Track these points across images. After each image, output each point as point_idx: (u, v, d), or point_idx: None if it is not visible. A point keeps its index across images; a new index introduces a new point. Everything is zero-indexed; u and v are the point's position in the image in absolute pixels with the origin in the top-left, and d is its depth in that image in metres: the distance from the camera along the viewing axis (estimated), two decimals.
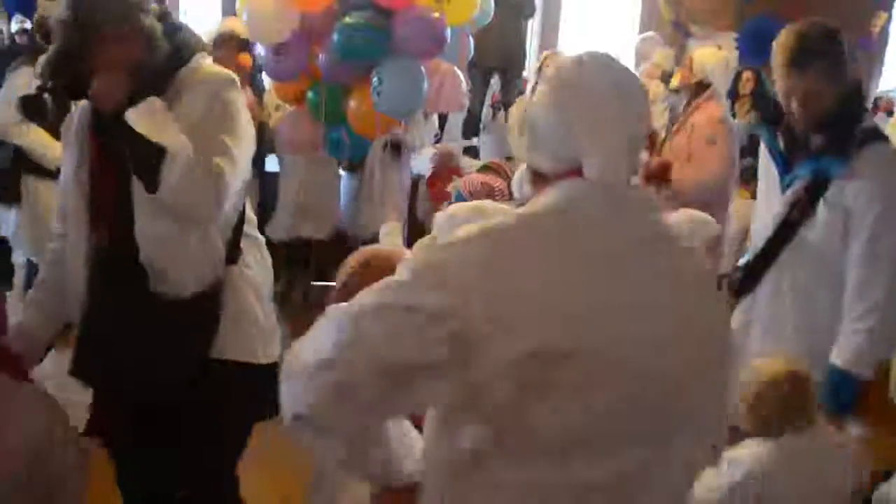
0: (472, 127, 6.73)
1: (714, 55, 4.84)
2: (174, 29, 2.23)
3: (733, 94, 5.84)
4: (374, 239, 5.22)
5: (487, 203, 2.46)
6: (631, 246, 1.40)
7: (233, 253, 2.24)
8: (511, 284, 1.32)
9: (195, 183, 2.04)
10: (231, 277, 2.24)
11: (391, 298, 1.32)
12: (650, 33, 8.19)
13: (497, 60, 6.48)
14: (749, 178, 4.56)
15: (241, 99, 2.23)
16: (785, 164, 2.71)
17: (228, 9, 10.72)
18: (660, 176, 4.30)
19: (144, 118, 2.04)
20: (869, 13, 8.14)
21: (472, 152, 6.12)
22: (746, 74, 6.15)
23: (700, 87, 4.58)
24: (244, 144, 2.18)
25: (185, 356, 2.17)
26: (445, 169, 5.15)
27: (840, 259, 2.59)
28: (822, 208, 2.59)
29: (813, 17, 2.74)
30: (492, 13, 4.91)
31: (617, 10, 10.26)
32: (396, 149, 5.02)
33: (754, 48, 8.11)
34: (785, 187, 2.71)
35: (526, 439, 1.34)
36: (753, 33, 8.17)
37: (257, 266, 2.35)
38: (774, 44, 2.65)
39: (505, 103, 6.83)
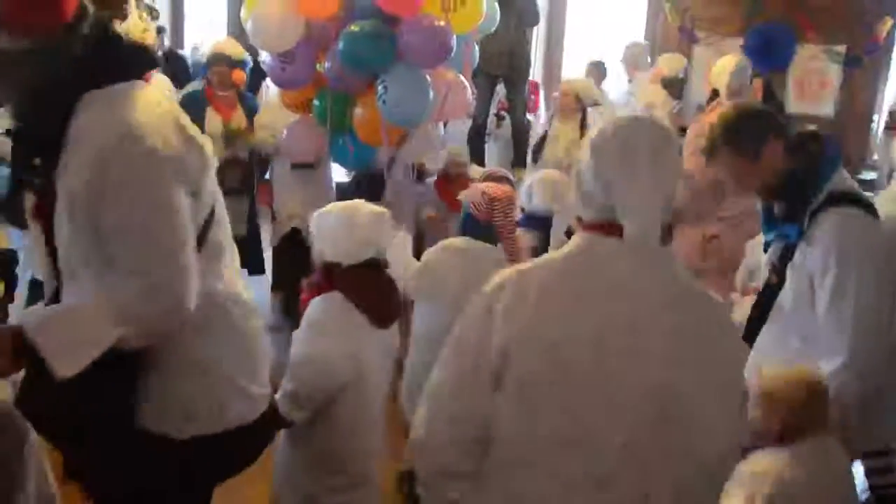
0: (476, 134, 6.73)
1: (725, 62, 4.87)
2: (105, 40, 1.95)
3: None
4: None
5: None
6: (645, 301, 1.61)
7: None
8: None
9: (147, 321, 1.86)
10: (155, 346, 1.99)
11: None
12: (637, 41, 8.18)
13: (502, 68, 6.49)
14: None
15: (143, 149, 1.84)
16: (766, 225, 2.70)
17: (234, 20, 10.77)
18: None
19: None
20: (874, 19, 8.13)
21: (477, 159, 6.13)
22: (756, 83, 6.15)
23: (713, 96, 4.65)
24: (171, 219, 1.87)
25: (98, 415, 1.97)
26: (454, 170, 5.16)
27: (811, 324, 2.57)
28: (789, 273, 2.58)
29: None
30: (497, 21, 4.91)
31: (622, 17, 10.26)
32: (420, 176, 5.07)
33: (760, 55, 8.12)
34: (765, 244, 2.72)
35: None
36: (760, 40, 8.18)
37: (212, 339, 2.06)
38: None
39: (510, 111, 6.83)
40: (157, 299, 1.87)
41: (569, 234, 3.72)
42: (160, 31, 10.65)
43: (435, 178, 5.23)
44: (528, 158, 6.03)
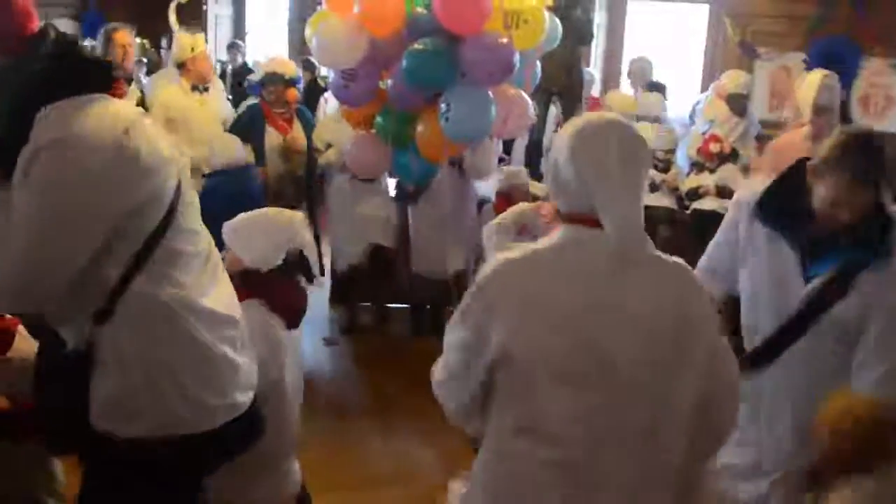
0: (534, 150, 6.73)
1: (812, 78, 4.70)
2: (67, 54, 2.07)
3: None
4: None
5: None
6: (627, 284, 1.78)
7: (102, 315, 2.08)
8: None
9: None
10: (101, 341, 2.09)
11: None
12: (642, 56, 8.09)
13: (559, 84, 6.49)
14: None
15: (62, 161, 1.94)
16: (805, 253, 2.62)
17: (294, 36, 10.93)
18: None
19: None
20: None
21: (536, 175, 6.13)
22: None
23: None
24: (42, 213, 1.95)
25: (59, 413, 2.15)
26: (513, 189, 5.19)
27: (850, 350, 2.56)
28: (851, 294, 2.52)
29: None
30: (558, 38, 4.91)
31: (683, 32, 10.20)
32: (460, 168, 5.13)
33: (824, 68, 7.98)
34: (807, 276, 2.63)
35: None
36: (823, 54, 8.05)
37: (157, 342, 2.10)
38: (834, 147, 2.58)
39: None
40: (14, 281, 1.98)
41: None
42: (234, 46, 10.89)
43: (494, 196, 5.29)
44: None
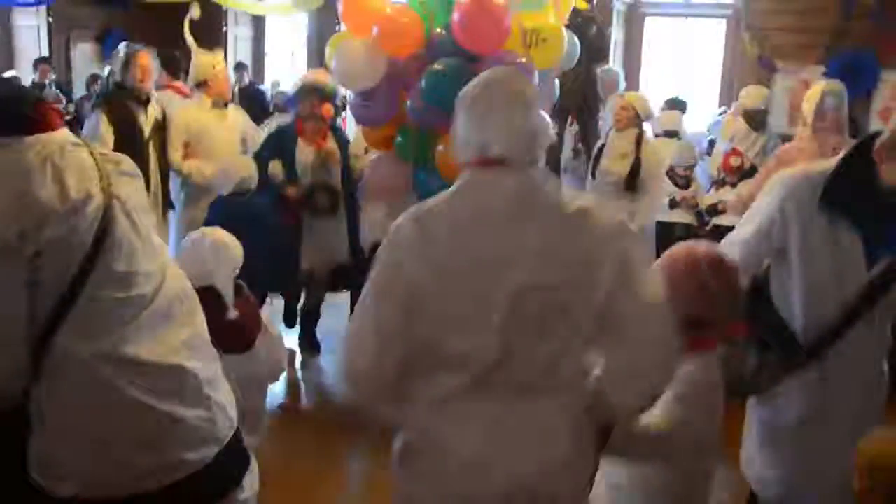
0: (553, 167, 6.75)
1: (814, 88, 4.76)
2: None
3: None
4: None
5: None
6: (493, 213, 1.95)
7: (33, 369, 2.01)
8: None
9: None
10: (32, 398, 2.02)
11: None
12: (611, 66, 8.04)
13: (574, 102, 6.53)
14: None
15: None
16: (870, 238, 2.60)
17: (314, 57, 10.98)
18: None
19: None
20: None
21: None
22: None
23: None
24: None
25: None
26: None
27: None
28: None
29: None
30: (577, 56, 4.93)
31: (700, 47, 10.19)
32: None
33: (843, 81, 7.96)
34: (871, 259, 2.62)
35: None
36: (843, 66, 8.03)
37: (73, 402, 2.01)
38: None
39: (586, 145, 6.84)
40: None
41: None
42: (240, 66, 10.98)
43: None
44: (588, 173, 6.07)
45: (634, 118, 5.74)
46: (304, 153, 5.25)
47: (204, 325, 2.28)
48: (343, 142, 5.46)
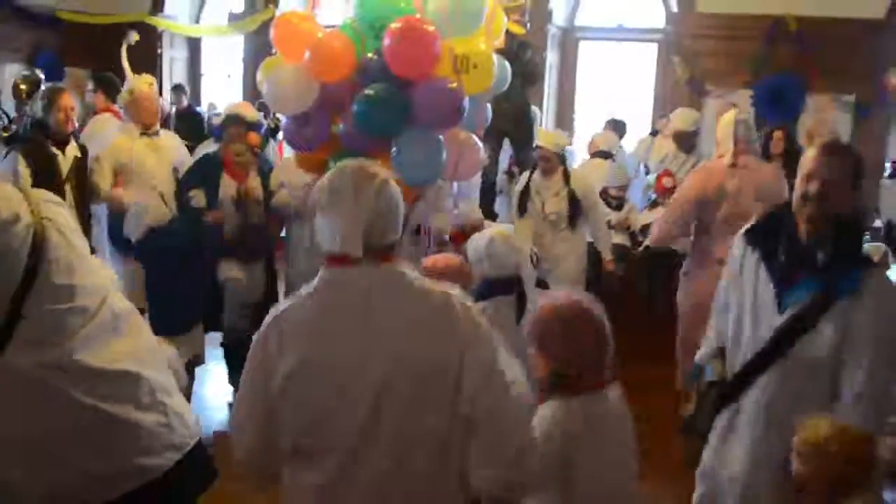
0: (488, 190, 6.79)
1: (727, 117, 5.08)
2: None
3: (766, 155, 5.90)
4: None
5: None
6: (351, 309, 2.04)
7: None
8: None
9: None
10: None
11: None
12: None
13: (508, 125, 6.58)
14: None
15: None
16: (782, 280, 2.75)
17: (250, 78, 10.92)
18: None
19: None
20: (883, 69, 8.20)
21: (488, 214, 6.19)
22: (777, 134, 6.21)
23: None
24: None
25: None
26: (469, 227, 5.20)
27: (830, 373, 2.72)
28: (824, 324, 2.66)
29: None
30: (508, 80, 4.97)
31: (632, 70, 10.38)
32: (417, 233, 5.11)
33: (771, 106, 8.19)
34: (782, 302, 2.76)
35: None
36: (769, 91, 8.25)
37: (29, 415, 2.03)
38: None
39: (521, 166, 6.91)
40: None
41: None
42: (178, 88, 10.85)
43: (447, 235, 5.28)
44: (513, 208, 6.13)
45: (558, 160, 5.81)
46: (228, 186, 5.24)
47: (152, 340, 2.31)
48: (266, 176, 5.44)
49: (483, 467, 2.04)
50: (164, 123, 9.02)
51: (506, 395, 2.04)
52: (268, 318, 2.12)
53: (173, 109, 10.38)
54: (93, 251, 5.24)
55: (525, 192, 5.90)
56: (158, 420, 2.18)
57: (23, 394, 1.99)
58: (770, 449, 2.78)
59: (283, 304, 2.15)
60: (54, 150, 5.11)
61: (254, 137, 5.39)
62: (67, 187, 5.12)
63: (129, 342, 2.19)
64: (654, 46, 9.94)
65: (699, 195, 4.79)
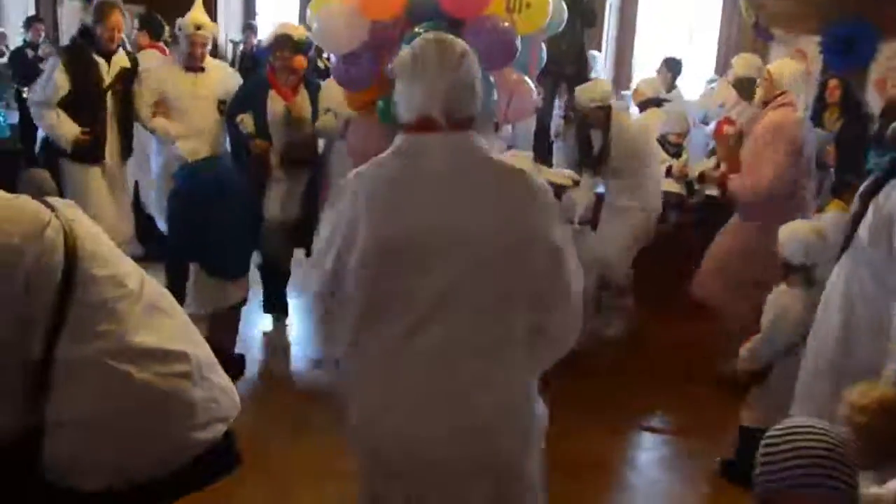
0: (542, 134, 6.66)
1: (790, 66, 4.86)
2: None
3: (820, 104, 5.70)
4: None
5: None
6: (434, 174, 2.06)
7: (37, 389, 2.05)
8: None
9: None
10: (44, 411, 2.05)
11: None
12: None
13: (565, 67, 6.41)
14: (842, 190, 4.46)
15: None
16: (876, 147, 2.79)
17: (304, 20, 10.85)
18: (720, 185, 4.95)
19: None
20: None
21: (543, 159, 6.05)
22: (832, 83, 5.99)
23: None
24: None
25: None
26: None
27: (882, 262, 2.70)
28: (871, 208, 2.64)
29: None
30: (564, 21, 4.84)
31: (695, 13, 10.07)
32: None
33: (839, 54, 7.87)
34: None
35: None
36: (838, 38, 7.91)
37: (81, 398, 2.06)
38: None
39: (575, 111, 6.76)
40: None
41: None
42: (249, 27, 10.85)
43: None
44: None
45: (601, 114, 5.36)
46: (276, 105, 5.19)
47: (185, 315, 2.33)
48: (315, 95, 5.34)
49: (551, 342, 2.17)
50: (232, 63, 9.05)
51: (568, 291, 2.14)
52: (350, 176, 2.18)
53: (241, 48, 10.38)
54: (129, 152, 5.37)
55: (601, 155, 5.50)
56: (207, 396, 2.23)
57: (91, 380, 2.03)
58: None
59: (363, 166, 2.17)
60: (97, 58, 5.15)
61: (300, 60, 5.25)
62: (109, 96, 5.19)
63: (173, 320, 2.25)
64: None
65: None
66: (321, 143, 5.62)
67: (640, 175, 5.40)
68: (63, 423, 2.04)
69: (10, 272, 1.94)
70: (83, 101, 5.06)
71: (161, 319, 2.20)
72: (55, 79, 5.02)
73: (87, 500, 2.09)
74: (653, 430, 4.57)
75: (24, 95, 7.69)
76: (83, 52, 5.16)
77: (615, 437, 4.39)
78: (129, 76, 5.32)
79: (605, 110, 5.37)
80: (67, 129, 5.04)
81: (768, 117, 4.61)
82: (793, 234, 3.74)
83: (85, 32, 5.30)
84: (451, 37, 2.18)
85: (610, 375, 4.97)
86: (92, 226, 2.18)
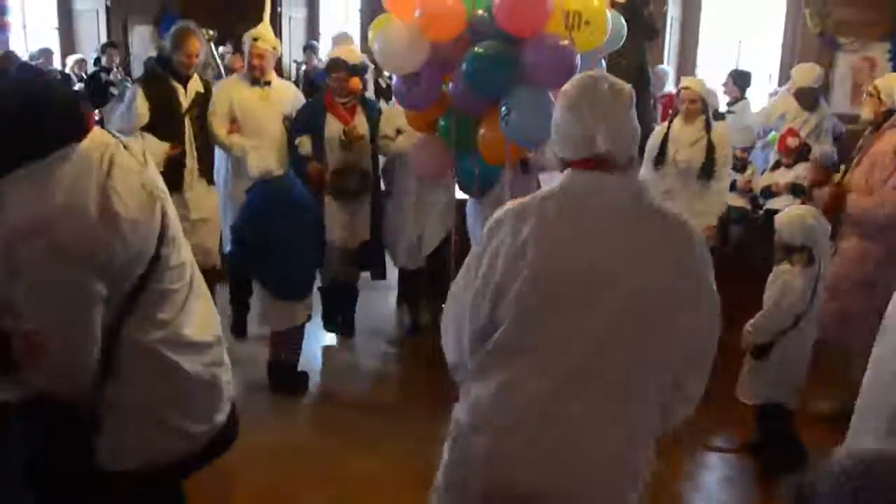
0: None
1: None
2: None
3: None
4: None
5: None
6: (604, 214, 2.04)
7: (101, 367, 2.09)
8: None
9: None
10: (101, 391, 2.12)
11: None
12: (663, 66, 7.80)
13: (629, 81, 6.35)
14: None
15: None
16: None
17: (366, 38, 10.96)
18: (834, 206, 4.58)
19: None
20: None
21: None
22: None
23: (888, 116, 4.47)
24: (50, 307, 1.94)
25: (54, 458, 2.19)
26: None
27: None
28: None
29: None
30: (624, 37, 4.82)
31: (759, 24, 9.91)
32: (525, 165, 5.04)
33: None
34: None
35: None
36: None
37: (135, 386, 2.14)
38: None
39: (643, 124, 6.71)
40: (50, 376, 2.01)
41: None
42: (310, 48, 11.03)
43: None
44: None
45: (701, 107, 5.33)
46: (333, 127, 5.35)
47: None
48: (373, 116, 5.49)
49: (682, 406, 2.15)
50: (296, 83, 9.18)
51: (714, 349, 2.13)
52: (499, 213, 2.13)
53: (303, 68, 10.54)
54: (211, 180, 5.45)
55: (664, 141, 5.40)
56: (227, 378, 2.36)
57: (143, 366, 2.11)
58: None
59: (519, 201, 2.13)
60: (175, 84, 5.26)
61: (356, 82, 5.42)
62: (187, 120, 5.29)
63: (208, 304, 2.33)
64: None
65: None
66: (381, 160, 5.73)
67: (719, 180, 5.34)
68: (112, 406, 2.11)
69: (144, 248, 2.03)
70: (163, 127, 5.17)
71: (202, 307, 2.26)
72: (136, 107, 5.13)
73: (112, 478, 2.17)
74: (718, 449, 4.50)
75: (96, 118, 7.91)
76: (162, 79, 5.28)
77: (678, 456, 4.34)
78: (204, 100, 5.44)
79: (706, 105, 5.39)
80: (154, 148, 5.09)
81: (887, 138, 4.44)
82: (790, 220, 4.07)
83: (161, 59, 5.42)
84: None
85: None
86: (173, 207, 2.23)
